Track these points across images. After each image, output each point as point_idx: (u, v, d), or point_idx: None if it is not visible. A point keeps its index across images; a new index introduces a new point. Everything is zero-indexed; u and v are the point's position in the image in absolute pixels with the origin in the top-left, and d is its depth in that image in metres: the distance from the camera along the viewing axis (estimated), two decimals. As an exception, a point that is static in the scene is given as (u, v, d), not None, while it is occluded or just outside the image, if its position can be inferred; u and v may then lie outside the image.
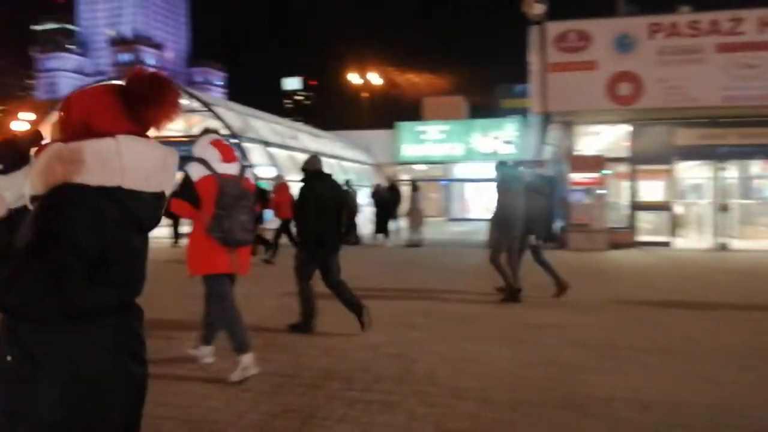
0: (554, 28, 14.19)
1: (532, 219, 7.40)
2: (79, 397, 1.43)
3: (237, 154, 4.37)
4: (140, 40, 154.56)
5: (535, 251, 7.69)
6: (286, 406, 3.76)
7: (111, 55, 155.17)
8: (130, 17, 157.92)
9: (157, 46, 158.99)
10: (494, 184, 7.50)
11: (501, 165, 7.67)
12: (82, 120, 1.49)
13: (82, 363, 1.44)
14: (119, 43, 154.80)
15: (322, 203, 5.55)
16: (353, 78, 37.11)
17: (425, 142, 28.27)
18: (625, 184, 14.95)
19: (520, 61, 20.90)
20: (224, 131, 17.92)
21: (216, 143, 4.22)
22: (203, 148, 4.17)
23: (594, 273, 10.17)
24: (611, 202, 14.82)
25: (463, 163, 28.13)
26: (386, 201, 15.30)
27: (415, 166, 28.38)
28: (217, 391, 4.00)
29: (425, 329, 5.87)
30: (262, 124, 20.91)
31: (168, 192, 1.62)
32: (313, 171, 5.71)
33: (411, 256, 12.93)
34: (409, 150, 28.41)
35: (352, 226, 9.66)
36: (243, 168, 4.30)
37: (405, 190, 16.89)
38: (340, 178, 11.65)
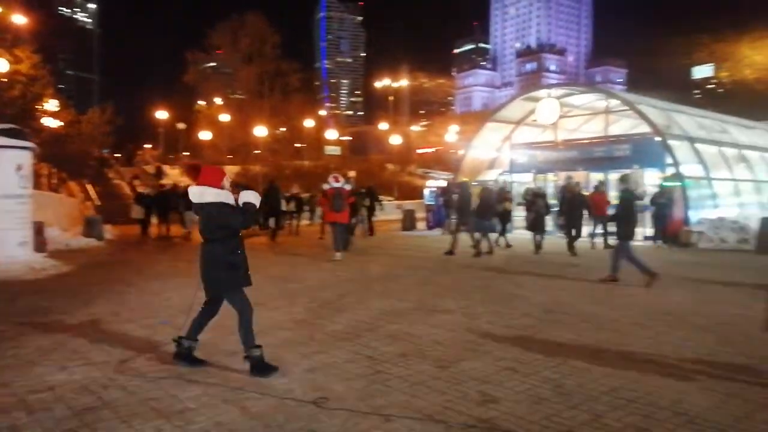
0: None
1: None
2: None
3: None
4: (544, 48, 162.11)
5: None
6: None
7: (516, 66, 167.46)
8: (536, 28, 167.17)
9: (560, 52, 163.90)
10: None
11: None
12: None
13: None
14: (524, 54, 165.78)
15: None
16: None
17: None
18: None
19: None
20: (645, 129, 17.27)
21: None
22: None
23: None
24: None
25: None
26: None
27: None
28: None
29: None
30: (686, 118, 19.36)
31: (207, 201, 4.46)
32: None
33: None
34: None
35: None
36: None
37: None
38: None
